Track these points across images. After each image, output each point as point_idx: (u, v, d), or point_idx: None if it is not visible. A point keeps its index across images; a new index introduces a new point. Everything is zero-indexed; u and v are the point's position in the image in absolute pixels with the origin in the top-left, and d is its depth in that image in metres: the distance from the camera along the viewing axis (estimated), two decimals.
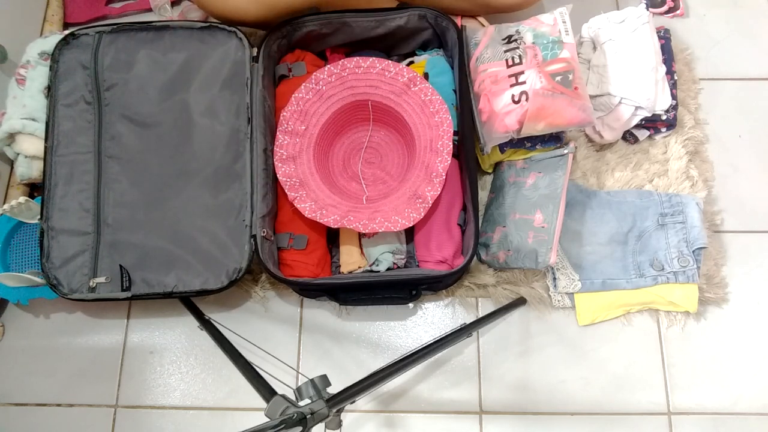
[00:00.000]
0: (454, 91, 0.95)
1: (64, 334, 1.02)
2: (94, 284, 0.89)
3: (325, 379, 0.59)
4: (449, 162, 0.86)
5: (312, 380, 0.58)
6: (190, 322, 0.97)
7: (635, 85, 0.93)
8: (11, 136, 0.96)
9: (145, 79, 0.95)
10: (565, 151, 0.93)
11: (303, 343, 0.98)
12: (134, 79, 0.95)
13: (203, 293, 0.89)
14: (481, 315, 0.98)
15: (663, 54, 0.98)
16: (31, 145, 0.95)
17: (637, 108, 0.94)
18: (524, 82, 0.87)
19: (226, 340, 0.81)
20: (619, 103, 0.94)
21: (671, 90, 0.96)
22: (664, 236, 0.94)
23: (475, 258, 0.93)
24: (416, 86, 0.89)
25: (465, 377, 0.95)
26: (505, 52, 0.89)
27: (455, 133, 0.91)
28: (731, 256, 0.99)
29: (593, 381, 0.94)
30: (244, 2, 0.93)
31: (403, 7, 0.93)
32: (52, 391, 0.99)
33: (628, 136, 1.02)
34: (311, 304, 1.00)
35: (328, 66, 0.91)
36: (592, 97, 0.95)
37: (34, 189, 1.06)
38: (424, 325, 0.99)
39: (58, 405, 0.98)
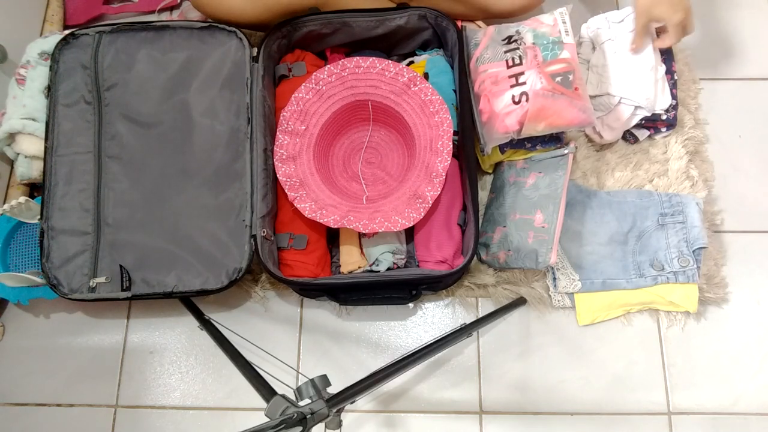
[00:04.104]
0: (454, 91, 0.95)
1: (64, 334, 1.02)
2: (94, 284, 0.89)
3: (325, 379, 0.59)
4: (449, 162, 0.86)
5: (312, 380, 0.58)
6: (190, 322, 0.97)
7: (634, 84, 0.93)
8: (11, 136, 0.96)
9: (145, 79, 0.95)
10: (566, 152, 0.93)
11: (303, 343, 0.98)
12: (134, 79, 0.95)
13: (203, 293, 0.89)
14: (481, 315, 0.98)
15: (663, 54, 0.98)
16: (31, 145, 0.95)
17: (636, 108, 0.94)
18: (524, 83, 0.87)
19: (226, 340, 0.81)
20: (619, 102, 0.94)
21: (671, 90, 0.96)
22: (664, 236, 0.94)
23: (475, 258, 0.93)
24: (416, 86, 0.89)
25: (465, 377, 0.95)
26: (506, 52, 0.89)
27: (455, 133, 0.91)
28: (731, 256, 0.99)
29: (593, 381, 0.94)
30: (241, 4, 0.93)
31: (403, 7, 0.93)
32: (52, 391, 0.99)
33: (628, 136, 1.02)
34: (311, 304, 1.00)
35: (328, 66, 0.91)
36: (591, 97, 0.95)
37: (34, 189, 1.06)
38: (424, 325, 0.99)
39: (58, 405, 0.98)
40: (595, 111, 0.96)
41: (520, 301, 0.96)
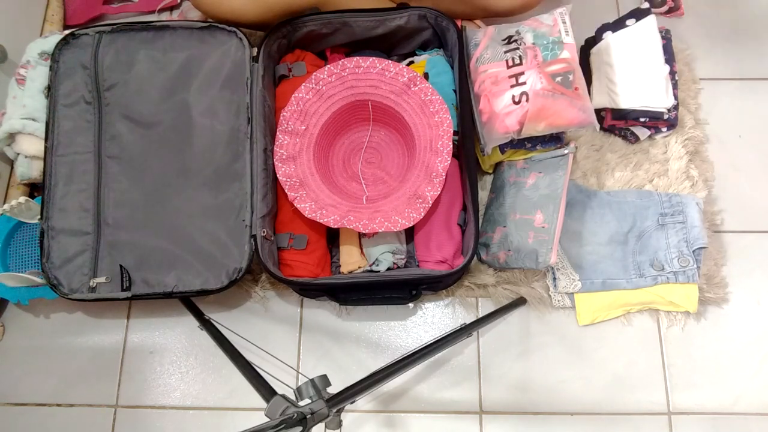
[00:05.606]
0: (454, 91, 0.95)
1: (64, 334, 1.02)
2: (94, 284, 0.89)
3: (325, 379, 0.59)
4: (449, 162, 0.85)
5: (312, 380, 0.58)
6: (190, 322, 0.97)
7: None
8: (11, 136, 0.96)
9: (145, 79, 0.95)
10: (566, 152, 0.93)
11: (303, 343, 0.98)
12: (134, 79, 0.95)
13: (203, 293, 0.89)
14: (481, 315, 0.98)
15: (664, 54, 0.98)
16: (31, 145, 0.95)
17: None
18: (524, 83, 0.87)
19: (226, 340, 0.81)
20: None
21: (672, 90, 0.96)
22: (664, 236, 0.94)
23: (475, 258, 0.93)
24: (416, 86, 0.89)
25: (465, 377, 0.95)
26: (505, 52, 0.89)
27: (455, 133, 0.91)
28: (731, 256, 0.99)
29: (593, 381, 0.94)
30: (241, 3, 0.93)
31: (403, 7, 0.93)
32: (52, 391, 0.99)
33: (629, 135, 1.02)
34: (311, 304, 1.00)
35: (328, 66, 0.91)
36: None
37: (34, 189, 1.06)
38: (424, 325, 0.99)
39: (58, 405, 0.98)
40: None
41: (520, 301, 0.96)
